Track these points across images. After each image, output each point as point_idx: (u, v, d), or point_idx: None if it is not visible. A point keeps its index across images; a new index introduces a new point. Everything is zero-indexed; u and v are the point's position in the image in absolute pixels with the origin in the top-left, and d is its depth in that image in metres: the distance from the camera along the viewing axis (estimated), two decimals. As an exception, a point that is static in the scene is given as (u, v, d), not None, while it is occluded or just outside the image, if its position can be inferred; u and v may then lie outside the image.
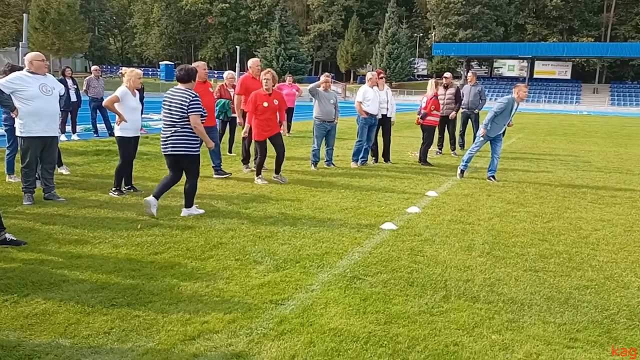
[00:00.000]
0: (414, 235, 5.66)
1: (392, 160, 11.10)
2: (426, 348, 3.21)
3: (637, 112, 56.85)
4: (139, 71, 7.12)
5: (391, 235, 5.60)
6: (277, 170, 8.32)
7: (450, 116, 12.47)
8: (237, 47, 63.85)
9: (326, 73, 10.27)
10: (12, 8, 71.38)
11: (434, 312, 3.73)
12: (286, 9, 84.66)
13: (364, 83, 10.54)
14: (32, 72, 6.27)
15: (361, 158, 10.50)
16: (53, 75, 7.09)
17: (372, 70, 11.63)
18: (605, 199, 7.98)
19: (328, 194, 7.58)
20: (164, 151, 6.07)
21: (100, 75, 14.35)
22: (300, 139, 14.67)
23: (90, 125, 14.08)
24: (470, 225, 6.17)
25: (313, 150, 9.82)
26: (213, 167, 8.70)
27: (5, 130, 7.46)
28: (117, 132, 6.89)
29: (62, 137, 12.08)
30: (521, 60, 76.76)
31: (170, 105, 5.91)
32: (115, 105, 6.75)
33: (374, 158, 11.06)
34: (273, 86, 8.14)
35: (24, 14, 27.88)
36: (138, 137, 7.19)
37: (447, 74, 12.86)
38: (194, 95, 5.87)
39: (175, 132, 5.90)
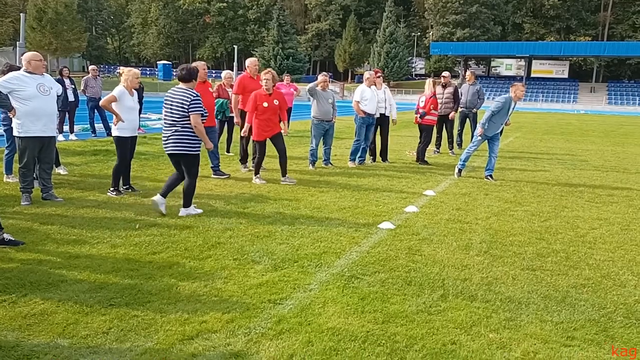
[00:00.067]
0: (412, 234, 5.67)
1: (389, 160, 11.11)
2: (424, 347, 3.22)
3: (634, 111, 56.98)
4: (136, 71, 7.11)
5: (389, 235, 5.61)
6: (284, 173, 8.27)
7: (450, 116, 12.51)
8: (234, 46, 63.90)
9: (324, 72, 10.26)
10: (9, 7, 71.31)
11: (431, 311, 3.74)
12: (284, 8, 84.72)
13: (361, 82, 10.55)
14: (29, 72, 6.26)
15: (359, 157, 10.51)
16: (50, 75, 7.08)
17: (370, 70, 11.63)
18: (602, 198, 8.01)
19: (326, 194, 7.58)
20: (165, 150, 6.12)
21: (98, 75, 14.33)
22: (298, 139, 14.67)
23: (88, 125, 14.07)
24: (467, 224, 6.19)
25: (311, 150, 9.83)
26: (212, 167, 8.70)
27: (5, 130, 7.45)
28: (115, 132, 6.89)
29: (60, 137, 12.10)
30: (519, 60, 76.88)
31: (171, 105, 5.93)
32: (113, 105, 6.75)
33: (371, 157, 11.07)
34: (273, 86, 8.13)
35: (21, 14, 27.83)
36: (136, 137, 7.19)
37: (445, 73, 12.88)
38: (195, 95, 5.88)
39: (175, 131, 5.91)
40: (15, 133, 6.34)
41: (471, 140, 9.37)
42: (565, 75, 75.82)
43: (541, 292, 4.19)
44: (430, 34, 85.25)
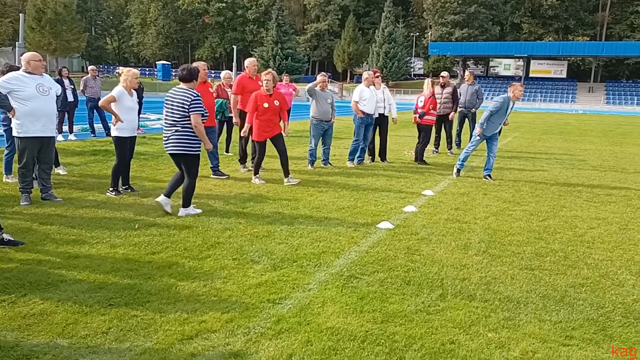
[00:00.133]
0: (411, 234, 5.68)
1: (388, 160, 11.12)
2: (423, 347, 3.23)
3: (632, 111, 57.04)
4: (135, 71, 7.11)
5: (388, 234, 5.62)
6: (286, 174, 8.20)
7: (449, 117, 12.54)
8: (234, 46, 63.90)
9: (323, 72, 10.27)
10: (8, 8, 71.29)
11: (430, 311, 3.75)
12: (283, 8, 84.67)
13: (360, 82, 10.56)
14: (29, 72, 6.26)
15: (358, 157, 10.52)
16: (50, 75, 7.08)
17: (369, 70, 11.64)
18: (600, 198, 8.02)
19: (325, 194, 7.59)
20: (165, 150, 6.15)
21: (97, 75, 14.33)
22: (297, 139, 14.67)
23: (87, 125, 14.06)
24: (466, 224, 6.20)
25: (310, 150, 9.84)
26: (211, 167, 8.70)
27: (4, 131, 7.44)
28: (114, 132, 6.89)
29: (59, 137, 12.08)
30: (517, 60, 76.94)
31: (171, 105, 5.95)
32: (112, 105, 6.75)
33: (370, 157, 11.08)
34: (273, 87, 8.12)
35: (21, 14, 27.82)
36: (135, 137, 7.19)
37: (444, 73, 12.91)
38: (195, 95, 5.89)
39: (176, 131, 5.94)
40: (14, 133, 6.34)
41: (470, 140, 9.37)
42: (564, 75, 75.88)
43: (540, 291, 4.20)
44: (429, 34, 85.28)
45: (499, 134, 9.43)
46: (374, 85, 10.40)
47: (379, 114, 10.54)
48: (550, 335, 3.46)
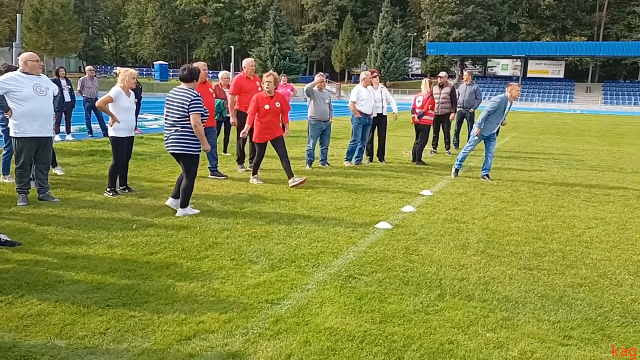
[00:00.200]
0: (409, 234, 5.67)
1: (386, 160, 11.12)
2: (421, 347, 3.23)
3: (629, 111, 57.17)
4: (133, 71, 7.10)
5: (386, 235, 5.62)
6: (290, 175, 8.03)
7: (450, 117, 12.57)
8: (231, 46, 63.90)
9: (321, 73, 10.27)
10: (5, 8, 71.11)
11: (429, 311, 3.74)
12: (280, 8, 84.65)
13: (358, 82, 10.56)
14: (26, 73, 6.24)
15: (356, 157, 10.52)
16: (47, 75, 7.07)
17: (366, 70, 11.64)
18: (598, 197, 8.03)
19: (323, 194, 7.59)
20: (166, 149, 6.17)
21: (95, 76, 14.31)
22: (295, 139, 14.66)
23: (85, 126, 14.04)
24: (464, 224, 6.20)
25: (308, 150, 9.83)
26: (209, 167, 8.69)
27: (2, 131, 7.42)
28: (111, 132, 6.88)
29: (57, 138, 12.06)
30: (515, 60, 77.05)
31: (172, 105, 5.98)
32: (109, 105, 6.74)
33: (368, 157, 11.08)
34: (275, 88, 8.08)
35: (18, 14, 27.80)
36: (132, 137, 7.18)
37: (442, 74, 12.92)
38: (195, 95, 5.90)
39: (175, 131, 5.96)
40: (11, 134, 6.33)
41: (467, 140, 9.38)
42: (561, 75, 76.02)
43: (538, 291, 4.20)
44: (427, 34, 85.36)
45: (497, 134, 9.44)
46: (372, 85, 10.40)
47: (377, 114, 10.54)
48: (549, 335, 3.46)
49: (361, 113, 10.10)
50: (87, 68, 14.72)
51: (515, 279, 4.44)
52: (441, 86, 12.52)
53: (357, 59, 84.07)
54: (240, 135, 8.46)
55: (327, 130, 9.84)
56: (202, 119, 5.99)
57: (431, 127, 11.50)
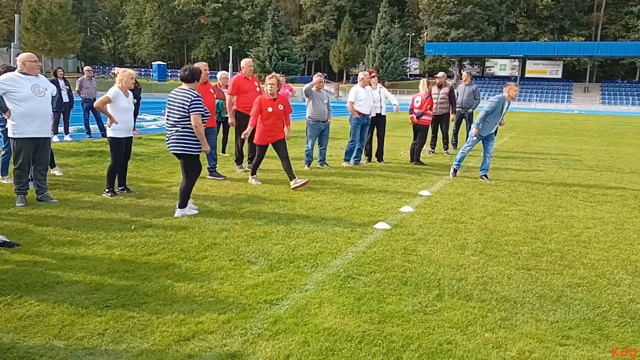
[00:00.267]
0: (408, 234, 5.68)
1: (385, 160, 11.13)
2: (420, 347, 3.23)
3: (627, 111, 57.25)
4: (131, 71, 7.09)
5: (385, 235, 5.63)
6: (292, 177, 7.91)
7: (451, 118, 12.59)
8: (229, 47, 63.78)
9: (319, 73, 10.28)
10: (3, 8, 71.05)
11: (427, 311, 3.75)
12: (279, 8, 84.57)
13: (356, 83, 10.57)
14: (24, 73, 6.24)
15: (354, 158, 10.52)
16: (45, 76, 7.06)
17: (365, 70, 11.65)
18: (596, 197, 8.04)
19: (321, 194, 7.59)
20: (168, 149, 6.21)
21: (93, 76, 14.29)
22: (293, 139, 14.63)
23: (83, 126, 14.02)
24: (463, 224, 6.21)
25: (306, 150, 9.84)
26: (208, 168, 8.68)
27: (1, 132, 7.41)
28: (109, 133, 6.87)
29: (55, 138, 12.04)
30: (513, 60, 77.12)
31: (172, 105, 6.01)
32: (107, 106, 6.74)
33: (367, 158, 11.09)
34: (277, 90, 8.06)
35: (16, 14, 27.79)
36: (131, 137, 7.18)
37: (440, 74, 12.93)
38: (195, 96, 5.92)
39: (176, 131, 5.99)
40: (10, 134, 6.32)
41: (466, 140, 9.39)
42: (559, 76, 76.09)
43: (536, 291, 4.21)
44: (425, 34, 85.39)
45: (495, 134, 9.46)
46: (370, 85, 10.41)
47: (376, 114, 10.55)
48: (547, 335, 3.46)
49: (359, 113, 10.11)
50: (85, 68, 14.70)
51: (514, 279, 4.45)
52: (440, 86, 12.54)
53: (356, 59, 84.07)
54: (242, 137, 8.43)
55: (326, 131, 9.85)
56: (203, 119, 6.00)
57: (429, 127, 11.52)
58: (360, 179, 8.97)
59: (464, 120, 13.41)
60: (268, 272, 4.42)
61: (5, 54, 56.68)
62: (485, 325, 3.57)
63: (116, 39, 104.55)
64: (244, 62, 9.32)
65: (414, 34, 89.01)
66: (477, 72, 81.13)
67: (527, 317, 3.73)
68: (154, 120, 19.60)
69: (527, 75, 75.97)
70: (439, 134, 13.04)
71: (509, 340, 3.36)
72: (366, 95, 10.14)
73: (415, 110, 10.98)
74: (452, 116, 12.76)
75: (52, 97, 6.65)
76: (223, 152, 11.32)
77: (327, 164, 10.18)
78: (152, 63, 77.30)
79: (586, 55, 69.83)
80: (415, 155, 11.07)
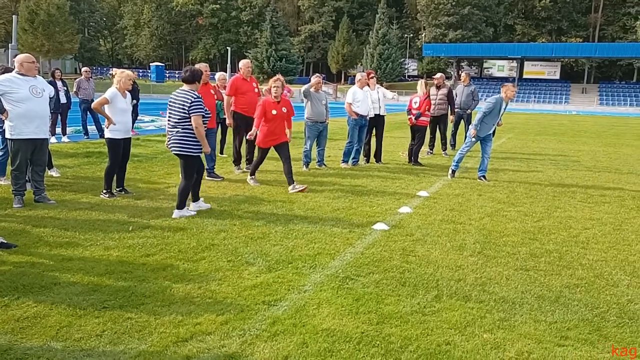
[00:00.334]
0: (406, 235, 5.68)
1: (383, 161, 11.13)
2: (418, 348, 3.23)
3: (625, 112, 57.34)
4: (129, 72, 7.07)
5: (383, 236, 5.62)
6: (291, 181, 7.84)
7: (450, 119, 12.60)
8: (228, 48, 63.79)
9: (317, 74, 10.28)
10: (0, 9, 70.90)
11: (426, 312, 3.75)
12: (277, 10, 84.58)
13: (354, 84, 10.57)
14: (21, 74, 6.23)
15: (352, 159, 10.52)
16: (43, 76, 7.05)
17: (363, 71, 11.65)
18: (594, 198, 8.05)
19: (320, 195, 7.58)
20: (170, 150, 6.23)
21: (91, 77, 14.26)
22: (292, 140, 14.64)
23: (81, 127, 14.00)
24: (461, 224, 6.21)
25: (305, 151, 9.83)
26: (207, 169, 8.65)
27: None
28: (107, 134, 6.87)
29: (52, 139, 12.02)
30: (511, 61, 77.18)
31: (173, 106, 6.04)
32: (105, 107, 6.73)
33: (365, 158, 11.09)
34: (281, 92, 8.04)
35: (13, 15, 27.76)
36: (129, 138, 7.17)
37: (438, 75, 12.94)
38: (195, 97, 5.93)
39: (177, 132, 6.02)
40: (7, 135, 6.31)
41: (464, 141, 9.40)
42: (557, 77, 76.16)
43: (535, 292, 4.21)
44: (423, 35, 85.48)
45: (493, 135, 9.46)
46: (369, 86, 10.42)
47: (375, 115, 10.56)
48: (546, 335, 3.46)
49: (357, 114, 10.11)
50: (83, 69, 14.67)
51: (512, 280, 4.45)
52: (438, 87, 12.55)
53: (354, 60, 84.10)
54: (248, 137, 8.35)
55: (324, 132, 9.85)
56: (203, 120, 6.02)
57: (428, 128, 11.53)
58: (359, 179, 8.97)
59: (462, 121, 13.43)
60: (266, 273, 4.42)
61: (3, 55, 56.64)
62: (484, 326, 3.57)
63: (114, 40, 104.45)
64: (242, 63, 9.31)
65: (412, 35, 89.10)
66: (475, 73, 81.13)
67: (526, 317, 3.72)
68: (152, 121, 19.59)
69: (525, 76, 76.03)
70: (437, 134, 13.05)
71: (507, 341, 3.36)
72: (364, 97, 10.15)
73: (414, 111, 10.98)
74: (450, 117, 12.81)
75: (50, 98, 6.63)
76: (221, 153, 11.32)
77: (325, 165, 10.18)
78: (150, 64, 77.32)
79: (584, 57, 69.94)
80: (413, 156, 11.08)
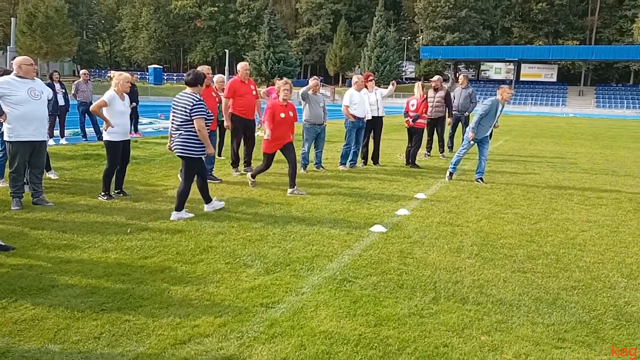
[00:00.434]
0: (404, 237, 5.69)
1: (380, 163, 11.14)
2: (416, 350, 3.24)
3: (621, 114, 57.49)
4: (127, 75, 7.07)
5: (381, 238, 5.63)
6: (292, 184, 7.82)
7: (448, 121, 12.63)
8: (226, 50, 63.89)
9: (315, 76, 10.30)
10: (-1, 12, 70.79)
11: (423, 314, 3.75)
12: (275, 12, 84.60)
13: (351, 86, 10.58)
14: (20, 77, 6.23)
15: (350, 161, 10.54)
16: (41, 79, 7.05)
17: (360, 74, 11.66)
18: (591, 200, 8.07)
19: (318, 197, 7.59)
20: (174, 152, 6.27)
21: (89, 79, 14.26)
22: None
23: (79, 130, 14.00)
24: (459, 227, 6.22)
25: (303, 154, 9.84)
26: (204, 170, 8.67)
27: None
28: (105, 136, 6.87)
29: (51, 142, 12.02)
30: (508, 63, 77.29)
31: (176, 109, 6.09)
32: (104, 109, 6.73)
33: (363, 161, 11.10)
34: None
35: (12, 18, 27.77)
36: (128, 140, 7.16)
37: (436, 77, 12.96)
38: (197, 100, 5.96)
39: (180, 135, 6.06)
40: (5, 138, 6.31)
41: (462, 143, 9.42)
42: (554, 79, 76.35)
43: (532, 294, 4.22)
44: (420, 38, 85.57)
45: (490, 137, 9.48)
46: (367, 88, 10.44)
47: (373, 117, 10.57)
48: (543, 337, 3.47)
49: (354, 117, 10.12)
50: (81, 72, 14.68)
51: (510, 282, 4.46)
52: (436, 90, 12.58)
53: (351, 62, 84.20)
54: (265, 138, 8.22)
55: (322, 134, 9.86)
56: (206, 122, 6.03)
57: (425, 130, 11.55)
58: (356, 182, 8.98)
59: (460, 124, 13.46)
60: (264, 275, 4.42)
61: (1, 58, 56.52)
62: (481, 328, 3.57)
63: (112, 42, 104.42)
64: (240, 66, 9.33)
65: (409, 37, 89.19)
66: (473, 76, 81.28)
67: (523, 320, 3.73)
68: (150, 123, 19.59)
69: (522, 78, 76.19)
70: (435, 137, 13.06)
71: (505, 343, 3.37)
72: (361, 99, 10.16)
73: (411, 114, 11.00)
74: (448, 120, 12.84)
75: (48, 100, 6.63)
76: (219, 155, 11.32)
77: (323, 167, 10.19)
78: (149, 66, 77.22)
79: (581, 59, 70.11)
80: (411, 158, 11.09)
